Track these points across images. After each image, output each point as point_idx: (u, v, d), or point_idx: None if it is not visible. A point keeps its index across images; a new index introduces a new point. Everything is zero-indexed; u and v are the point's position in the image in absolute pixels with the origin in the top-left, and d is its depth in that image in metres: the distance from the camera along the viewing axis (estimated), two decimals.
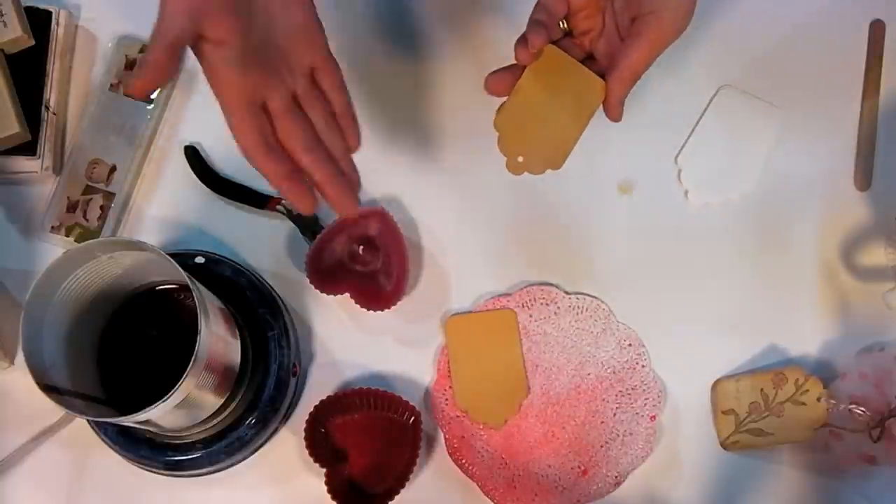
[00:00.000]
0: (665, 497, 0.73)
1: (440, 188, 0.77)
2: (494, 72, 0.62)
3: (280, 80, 0.57)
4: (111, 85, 0.77)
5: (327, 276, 0.73)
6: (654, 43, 0.60)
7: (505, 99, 0.62)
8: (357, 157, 0.78)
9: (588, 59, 0.64)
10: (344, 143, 0.60)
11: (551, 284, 0.75)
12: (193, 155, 0.77)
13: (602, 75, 0.62)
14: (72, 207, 0.75)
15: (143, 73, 0.53)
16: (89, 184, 0.76)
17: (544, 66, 0.62)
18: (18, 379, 0.73)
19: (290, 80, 0.58)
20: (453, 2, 0.81)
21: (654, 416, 0.73)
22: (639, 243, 0.77)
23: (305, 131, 0.58)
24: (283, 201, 0.76)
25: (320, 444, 0.70)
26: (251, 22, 0.55)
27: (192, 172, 0.77)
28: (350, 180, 0.60)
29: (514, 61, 0.60)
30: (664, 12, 0.59)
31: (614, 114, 0.62)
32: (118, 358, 0.68)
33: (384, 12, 0.80)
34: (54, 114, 0.76)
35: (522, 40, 0.59)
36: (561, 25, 0.63)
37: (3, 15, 0.75)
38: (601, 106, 0.62)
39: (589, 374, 0.74)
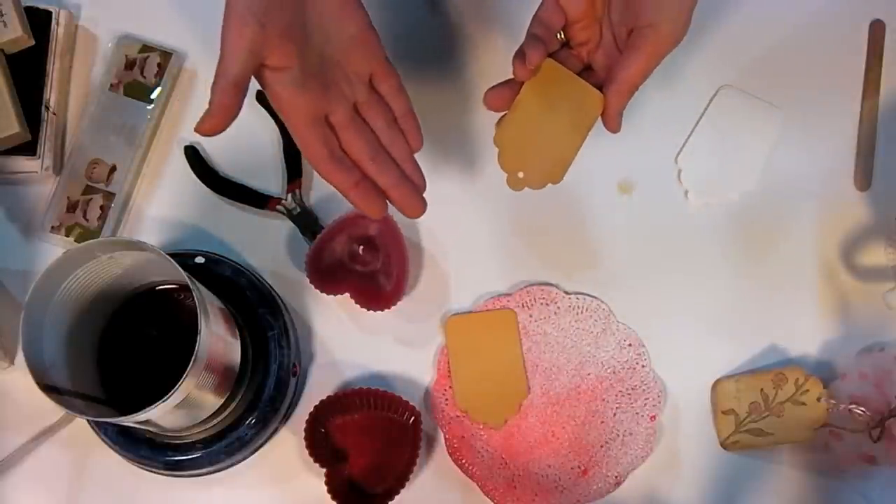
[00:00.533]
0: (665, 497, 0.73)
1: (440, 188, 0.77)
2: (493, 87, 0.62)
3: (340, 93, 0.59)
4: (111, 85, 0.77)
5: (327, 276, 0.73)
6: (651, 55, 0.60)
7: (504, 114, 0.62)
8: None
9: (586, 71, 0.64)
10: (407, 146, 0.62)
11: (551, 284, 0.75)
12: (193, 155, 0.77)
13: (600, 87, 0.62)
14: (72, 207, 0.75)
15: (211, 115, 0.54)
16: (89, 184, 0.76)
17: (542, 80, 0.61)
18: (18, 379, 0.73)
19: (349, 91, 0.59)
20: (459, 11, 0.81)
21: (654, 416, 0.73)
22: (639, 243, 0.77)
23: (369, 141, 0.60)
24: (283, 201, 0.76)
25: (320, 444, 0.70)
26: (308, 43, 0.56)
27: (192, 172, 0.77)
28: (414, 183, 0.61)
29: (513, 75, 0.60)
30: (661, 25, 0.59)
31: (613, 125, 0.62)
32: (118, 358, 0.68)
33: (390, 20, 0.80)
34: (54, 114, 0.76)
35: (520, 56, 0.59)
36: (559, 36, 0.63)
37: (3, 15, 0.75)
38: (600, 118, 0.62)
39: (589, 374, 0.74)
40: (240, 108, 0.54)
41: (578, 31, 0.62)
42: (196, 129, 0.54)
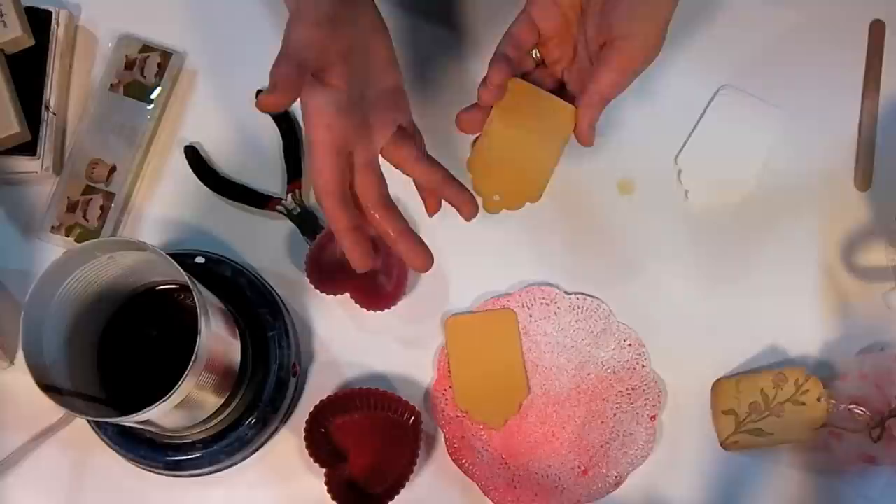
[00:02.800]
0: (665, 497, 0.73)
1: None
2: (464, 109, 0.62)
3: (369, 135, 0.60)
4: (111, 85, 0.77)
5: (327, 276, 0.73)
6: (622, 68, 0.59)
7: (477, 136, 0.62)
8: None
9: (560, 89, 0.64)
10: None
11: (551, 284, 0.75)
12: (193, 155, 0.77)
13: (574, 103, 0.61)
14: (72, 207, 0.75)
15: (277, 90, 0.53)
16: (89, 184, 0.76)
17: (512, 100, 0.61)
18: (18, 379, 0.73)
19: (377, 138, 0.60)
20: (462, 15, 0.81)
21: (654, 416, 0.73)
22: (639, 243, 0.77)
23: (381, 189, 0.61)
24: (283, 201, 0.76)
25: (320, 444, 0.70)
26: (357, 77, 0.57)
27: (192, 172, 0.77)
28: (418, 237, 0.62)
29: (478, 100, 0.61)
30: (633, 38, 0.59)
31: (585, 139, 0.62)
32: (118, 358, 0.68)
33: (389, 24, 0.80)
34: (54, 114, 0.76)
35: (485, 80, 0.60)
36: (534, 56, 0.63)
37: (3, 15, 0.75)
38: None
39: (589, 374, 0.74)
40: (300, 89, 0.54)
41: (552, 48, 0.63)
42: (259, 103, 0.53)
